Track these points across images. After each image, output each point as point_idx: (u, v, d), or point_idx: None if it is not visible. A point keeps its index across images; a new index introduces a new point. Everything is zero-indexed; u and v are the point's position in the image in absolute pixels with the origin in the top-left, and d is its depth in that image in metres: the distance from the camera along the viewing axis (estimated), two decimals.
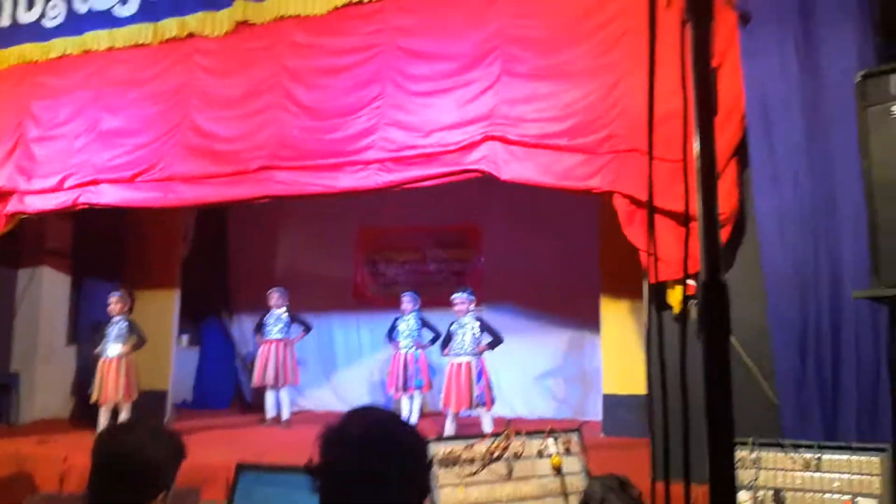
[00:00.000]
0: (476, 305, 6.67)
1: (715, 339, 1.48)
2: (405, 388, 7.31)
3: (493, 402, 6.32)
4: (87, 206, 6.63)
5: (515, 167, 5.18)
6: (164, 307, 8.17)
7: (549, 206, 8.06)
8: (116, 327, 6.94)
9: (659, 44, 1.50)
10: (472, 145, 5.32)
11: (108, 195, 6.51)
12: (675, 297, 4.54)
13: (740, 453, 3.37)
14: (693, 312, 4.37)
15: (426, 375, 7.41)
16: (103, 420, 6.85)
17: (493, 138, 5.25)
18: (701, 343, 1.48)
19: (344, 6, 5.93)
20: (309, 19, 6.07)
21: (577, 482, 3.44)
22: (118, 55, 6.77)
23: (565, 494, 3.39)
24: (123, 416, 6.85)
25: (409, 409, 7.40)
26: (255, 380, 7.83)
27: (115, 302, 7.01)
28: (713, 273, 1.46)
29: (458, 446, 3.43)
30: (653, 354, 1.54)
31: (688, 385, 1.38)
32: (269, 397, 7.82)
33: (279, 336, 7.77)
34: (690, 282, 4.61)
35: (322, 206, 9.15)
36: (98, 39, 6.76)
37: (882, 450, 3.06)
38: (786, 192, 4.17)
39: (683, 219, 1.47)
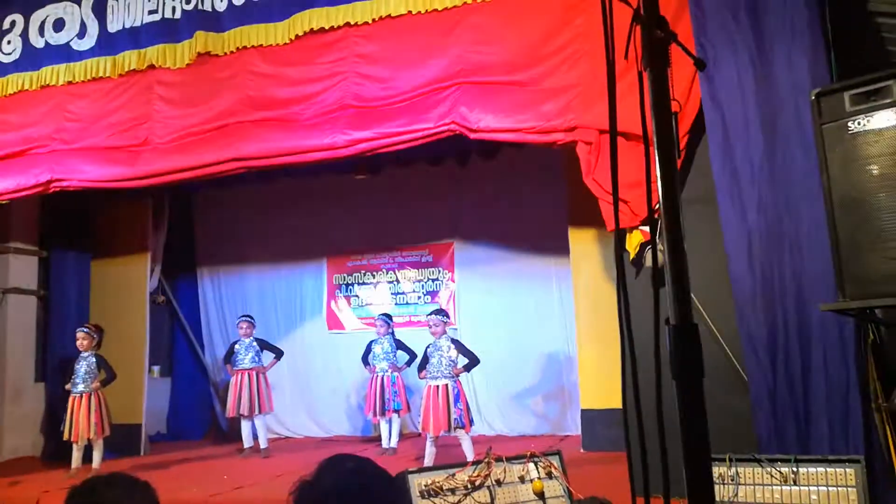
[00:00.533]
0: (451, 326, 6.69)
1: (689, 379, 1.51)
2: (383, 412, 7.29)
3: (471, 423, 6.32)
4: (59, 189, 6.70)
5: (483, 123, 5.34)
6: (134, 340, 8.07)
7: (522, 220, 8.19)
8: (85, 363, 6.82)
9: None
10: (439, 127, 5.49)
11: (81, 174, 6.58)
12: (632, 242, 4.96)
13: (718, 469, 3.42)
14: (648, 258, 4.63)
15: (403, 398, 7.40)
16: (76, 458, 6.75)
17: (455, 123, 5.41)
18: (675, 385, 1.51)
19: (305, 35, 5.95)
20: (271, 49, 6.07)
21: None
22: (77, 89, 6.70)
23: None
24: (97, 453, 6.73)
25: (389, 433, 7.38)
26: (230, 410, 7.74)
27: (82, 338, 6.88)
28: (684, 316, 1.50)
29: (439, 476, 3.44)
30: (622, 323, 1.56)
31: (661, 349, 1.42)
32: (245, 427, 7.74)
33: (250, 365, 7.69)
34: (645, 228, 4.87)
35: (292, 227, 9.19)
36: (56, 74, 6.70)
37: (856, 461, 3.12)
38: (750, 210, 4.24)
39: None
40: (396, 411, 7.32)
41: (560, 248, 7.74)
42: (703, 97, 4.42)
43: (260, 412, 7.63)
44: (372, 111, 5.73)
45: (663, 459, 1.43)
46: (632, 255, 4.98)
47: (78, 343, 6.88)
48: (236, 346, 7.81)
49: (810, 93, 3.53)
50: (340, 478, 1.68)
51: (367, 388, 7.60)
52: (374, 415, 7.40)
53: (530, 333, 8.12)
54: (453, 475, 3.44)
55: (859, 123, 3.29)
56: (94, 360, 6.84)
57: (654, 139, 1.45)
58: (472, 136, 5.42)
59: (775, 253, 4.16)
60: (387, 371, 7.34)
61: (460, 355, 6.31)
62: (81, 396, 6.71)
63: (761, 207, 4.27)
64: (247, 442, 7.71)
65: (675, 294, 1.45)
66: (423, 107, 5.57)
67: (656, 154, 1.46)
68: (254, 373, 7.67)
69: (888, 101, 3.21)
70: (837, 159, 3.37)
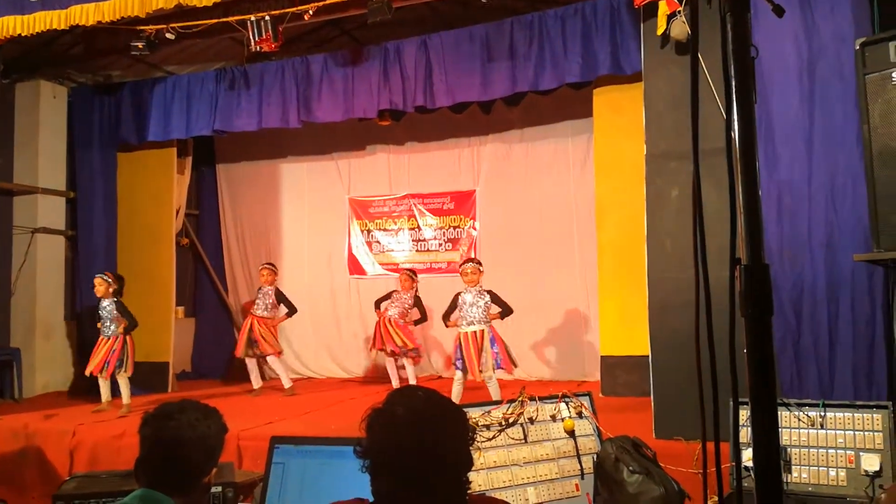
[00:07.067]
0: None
1: (758, 317, 1.58)
2: (393, 353, 7.44)
3: (515, 364, 6.39)
4: None
5: None
6: (162, 281, 8.24)
7: (545, 170, 8.20)
8: (106, 310, 6.85)
9: None
10: None
11: None
12: (661, 15, 4.78)
13: (746, 412, 3.51)
14: (674, 29, 4.62)
15: (415, 343, 7.54)
16: (105, 392, 6.86)
17: None
18: (745, 322, 1.58)
19: None
20: None
21: (590, 444, 3.58)
22: None
23: (579, 456, 3.53)
24: (124, 389, 6.80)
25: (403, 375, 7.53)
26: (237, 350, 7.90)
27: (98, 284, 6.86)
28: (756, 256, 1.56)
29: (475, 412, 3.55)
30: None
31: None
32: (252, 369, 7.84)
33: (262, 314, 7.81)
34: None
35: (314, 173, 9.24)
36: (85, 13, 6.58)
37: (884, 407, 3.20)
38: (782, 162, 4.26)
39: None
40: (407, 353, 7.41)
41: (583, 198, 7.80)
42: None
43: (264, 354, 7.77)
44: None
45: (735, 405, 1.48)
46: (660, 29, 4.79)
47: (95, 290, 6.88)
48: (259, 293, 7.94)
49: (855, 42, 3.52)
50: (413, 405, 1.76)
51: (374, 326, 7.67)
52: (378, 350, 7.53)
53: (550, 283, 8.19)
54: (489, 412, 3.55)
55: None
56: (112, 306, 6.84)
57: (735, 86, 1.48)
58: None
59: (806, 204, 4.19)
60: (394, 316, 7.46)
61: (493, 304, 6.38)
62: (109, 339, 6.81)
63: (794, 159, 4.28)
64: (255, 383, 7.82)
65: (748, 234, 1.50)
66: None
67: (735, 101, 1.50)
68: (264, 320, 7.79)
69: None
70: (879, 110, 3.39)
